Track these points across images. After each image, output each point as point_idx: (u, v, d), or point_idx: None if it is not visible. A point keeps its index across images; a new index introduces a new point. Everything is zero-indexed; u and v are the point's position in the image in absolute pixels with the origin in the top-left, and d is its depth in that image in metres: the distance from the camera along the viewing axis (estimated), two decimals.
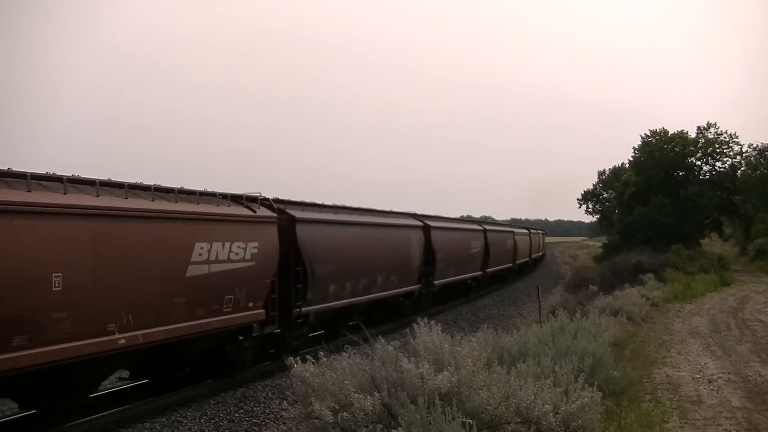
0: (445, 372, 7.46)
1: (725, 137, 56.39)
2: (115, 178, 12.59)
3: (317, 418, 7.30)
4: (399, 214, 26.39)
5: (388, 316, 23.05)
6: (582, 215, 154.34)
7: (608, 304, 20.69)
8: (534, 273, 58.58)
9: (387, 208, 25.61)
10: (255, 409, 13.29)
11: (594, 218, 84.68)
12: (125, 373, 13.86)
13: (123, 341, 11.37)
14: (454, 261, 30.84)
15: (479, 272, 36.40)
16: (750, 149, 55.25)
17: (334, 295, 18.84)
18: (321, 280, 17.98)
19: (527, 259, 56.34)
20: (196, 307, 13.13)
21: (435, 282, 27.72)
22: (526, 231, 59.21)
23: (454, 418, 6.51)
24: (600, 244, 76.55)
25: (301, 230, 17.23)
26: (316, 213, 19.03)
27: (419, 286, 26.02)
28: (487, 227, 39.98)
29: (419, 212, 29.17)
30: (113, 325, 11.20)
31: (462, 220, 37.63)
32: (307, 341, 17.85)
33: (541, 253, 72.88)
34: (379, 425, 6.87)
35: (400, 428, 6.51)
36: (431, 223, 28.19)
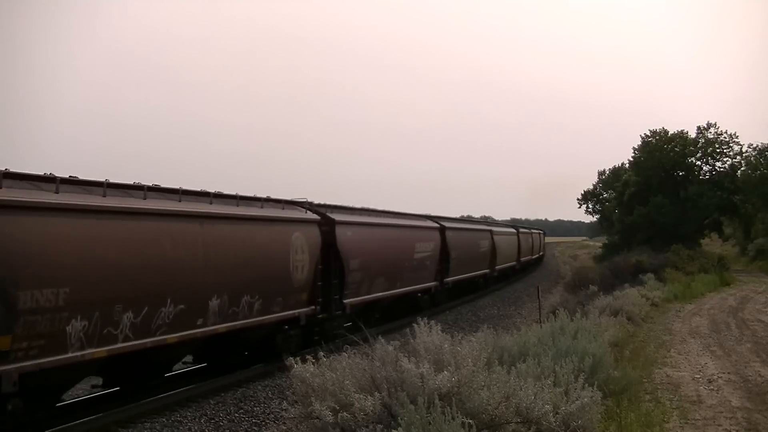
0: (445, 372, 7.48)
1: (725, 137, 56.59)
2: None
3: (317, 418, 7.31)
4: (273, 201, 17.28)
5: (257, 355, 15.50)
6: (582, 215, 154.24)
7: (608, 304, 20.70)
8: (534, 273, 58.65)
9: (266, 194, 16.86)
10: (255, 409, 13.28)
11: (594, 218, 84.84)
12: None
13: None
14: (382, 270, 22.35)
15: (433, 282, 28.32)
16: (750, 149, 55.54)
17: (85, 340, 10.51)
18: (39, 317, 9.68)
19: (514, 263, 48.49)
20: None
21: (346, 301, 19.63)
22: (513, 230, 51.26)
23: (453, 418, 6.52)
24: (600, 244, 76.72)
25: None
26: (48, 195, 10.37)
27: (312, 308, 17.87)
28: (447, 224, 31.10)
29: (326, 202, 20.54)
30: None
31: (404, 215, 27.72)
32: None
33: (537, 255, 69.61)
34: (379, 425, 6.88)
35: (399, 428, 6.52)
36: (337, 217, 19.79)
